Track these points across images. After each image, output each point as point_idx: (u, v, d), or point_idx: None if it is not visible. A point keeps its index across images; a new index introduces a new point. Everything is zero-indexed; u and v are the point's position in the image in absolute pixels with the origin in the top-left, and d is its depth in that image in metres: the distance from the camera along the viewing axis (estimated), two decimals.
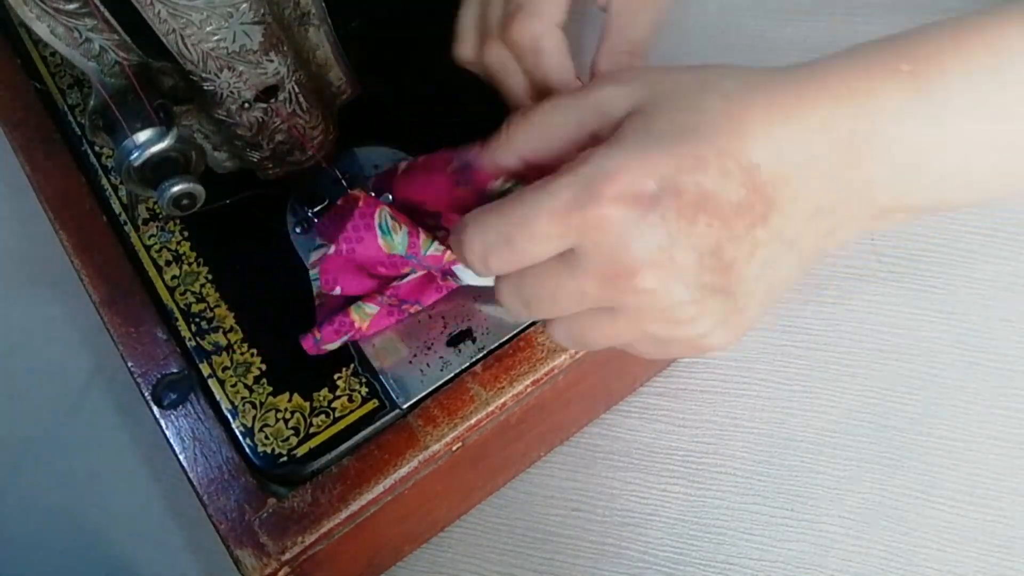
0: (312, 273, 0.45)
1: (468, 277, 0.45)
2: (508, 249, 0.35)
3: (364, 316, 0.44)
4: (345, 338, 0.45)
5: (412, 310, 0.46)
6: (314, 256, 0.45)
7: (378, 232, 0.43)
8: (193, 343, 0.46)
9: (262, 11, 0.39)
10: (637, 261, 0.33)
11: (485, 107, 0.50)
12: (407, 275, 0.45)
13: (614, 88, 0.37)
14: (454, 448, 0.44)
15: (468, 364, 0.45)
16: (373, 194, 0.46)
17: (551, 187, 0.34)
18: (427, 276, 0.45)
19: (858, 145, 0.35)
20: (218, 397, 0.45)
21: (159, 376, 0.46)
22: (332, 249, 0.44)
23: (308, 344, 0.44)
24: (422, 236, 0.43)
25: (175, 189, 0.41)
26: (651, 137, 0.34)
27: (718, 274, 0.34)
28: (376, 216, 0.43)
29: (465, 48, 0.47)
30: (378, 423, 0.44)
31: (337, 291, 0.45)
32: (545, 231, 0.34)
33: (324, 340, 0.44)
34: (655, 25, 0.44)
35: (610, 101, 0.36)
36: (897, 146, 0.35)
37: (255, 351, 0.46)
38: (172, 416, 0.45)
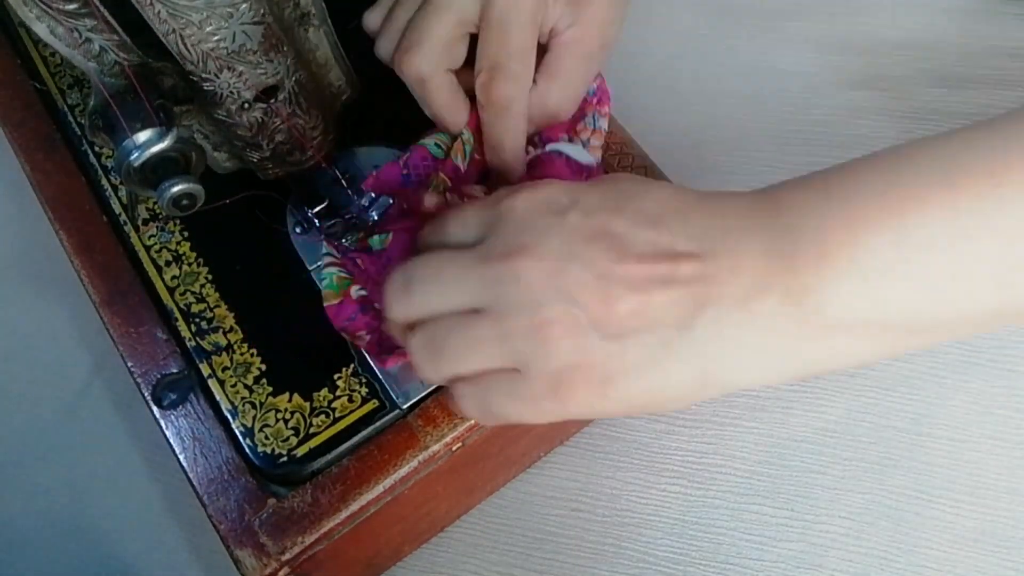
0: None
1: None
2: (438, 226, 0.39)
3: None
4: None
5: None
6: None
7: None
8: (193, 343, 0.46)
9: (262, 11, 0.39)
10: (523, 245, 0.35)
11: None
12: None
13: None
14: (454, 448, 0.44)
15: None
16: (374, 194, 0.47)
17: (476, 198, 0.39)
18: None
19: (798, 248, 0.33)
20: (218, 397, 0.45)
21: (159, 376, 0.46)
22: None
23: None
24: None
25: (175, 189, 0.41)
26: (587, 186, 0.37)
27: (596, 301, 0.34)
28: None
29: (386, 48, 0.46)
30: (378, 423, 0.44)
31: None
32: (468, 216, 0.38)
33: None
34: (528, 52, 0.43)
35: None
36: (815, 244, 0.33)
37: (255, 351, 0.46)
38: (172, 416, 0.45)
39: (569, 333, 0.34)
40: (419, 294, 0.37)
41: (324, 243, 0.47)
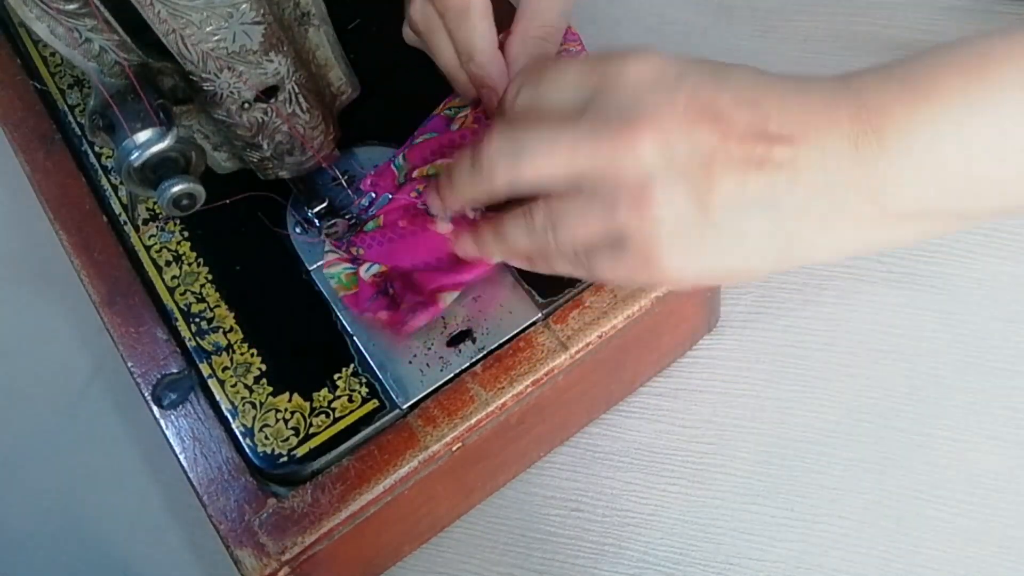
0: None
1: None
2: (535, 86, 0.38)
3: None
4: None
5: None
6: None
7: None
8: (193, 343, 0.46)
9: (262, 11, 0.39)
10: (639, 119, 0.35)
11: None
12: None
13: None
14: (454, 448, 0.44)
15: (468, 364, 0.45)
16: (375, 193, 0.47)
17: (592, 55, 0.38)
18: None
19: (859, 131, 0.35)
20: (218, 397, 0.45)
21: (159, 376, 0.46)
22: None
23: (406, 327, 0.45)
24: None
25: (175, 189, 0.41)
26: (691, 60, 0.37)
27: (701, 178, 0.35)
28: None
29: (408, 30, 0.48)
30: (378, 423, 0.44)
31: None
32: (572, 78, 0.38)
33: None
34: (566, 11, 0.46)
35: None
36: (896, 139, 0.35)
37: (255, 351, 0.46)
38: (172, 416, 0.45)
39: (674, 205, 0.36)
40: (530, 164, 0.37)
41: (326, 241, 0.47)
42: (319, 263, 0.47)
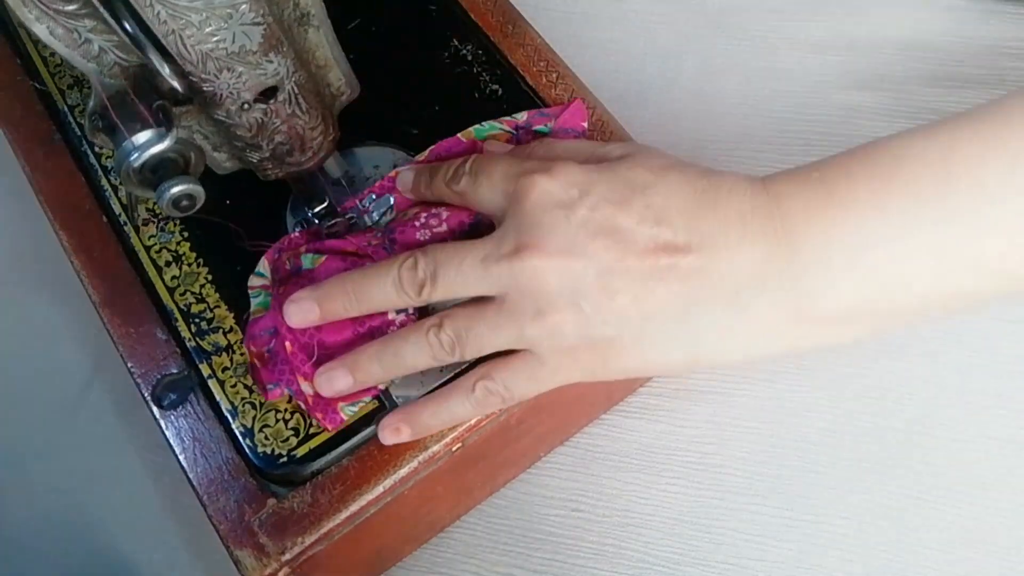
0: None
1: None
2: (478, 168, 0.42)
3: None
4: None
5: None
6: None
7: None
8: (193, 343, 0.46)
9: (262, 12, 0.39)
10: (536, 239, 0.38)
11: (484, 107, 0.50)
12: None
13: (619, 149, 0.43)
14: (454, 449, 0.44)
15: (468, 364, 0.45)
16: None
17: (501, 160, 0.42)
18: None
19: (775, 233, 0.36)
20: (218, 397, 0.45)
21: (159, 376, 0.46)
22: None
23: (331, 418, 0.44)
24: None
25: (175, 190, 0.41)
26: (602, 171, 0.39)
27: (599, 289, 0.37)
28: (341, 415, 0.44)
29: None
30: (378, 423, 0.44)
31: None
32: (500, 180, 0.40)
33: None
34: None
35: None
36: (808, 243, 0.36)
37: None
38: (172, 416, 0.45)
39: (573, 320, 0.38)
40: (444, 284, 0.40)
41: (263, 260, 0.46)
42: (252, 283, 0.47)
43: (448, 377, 0.44)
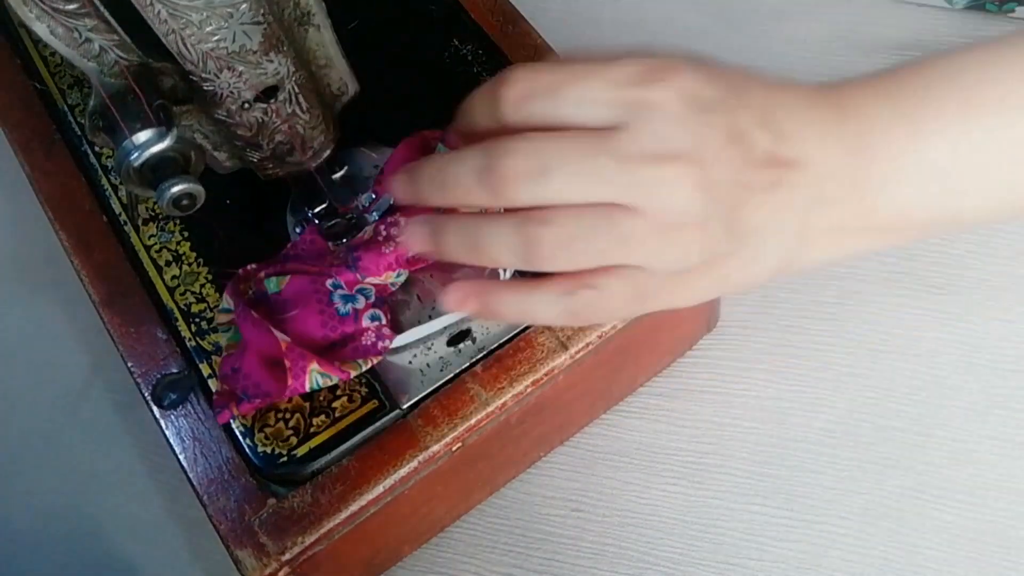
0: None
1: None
2: (554, 99, 0.34)
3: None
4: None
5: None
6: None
7: (308, 389, 0.43)
8: (193, 343, 0.46)
9: (262, 11, 0.39)
10: (677, 150, 0.34)
11: None
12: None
13: None
14: (454, 448, 0.44)
15: (468, 364, 0.45)
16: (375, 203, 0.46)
17: (618, 62, 0.34)
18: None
19: (857, 150, 0.36)
20: None
21: (159, 376, 0.46)
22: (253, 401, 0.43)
23: (225, 419, 0.44)
24: (352, 371, 0.43)
25: (175, 189, 0.41)
26: (712, 67, 0.36)
27: (731, 206, 0.35)
28: (307, 380, 0.42)
29: None
30: (378, 423, 0.44)
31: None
32: (600, 95, 0.34)
33: (242, 412, 0.44)
34: None
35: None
36: (888, 158, 0.36)
37: None
38: (172, 416, 0.45)
39: (702, 239, 0.35)
40: (560, 183, 0.34)
41: (225, 296, 0.45)
42: (218, 321, 0.46)
43: (450, 376, 0.44)
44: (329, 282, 0.44)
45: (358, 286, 0.45)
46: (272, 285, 0.45)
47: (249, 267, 0.46)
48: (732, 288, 0.38)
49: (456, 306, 0.37)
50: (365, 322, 0.44)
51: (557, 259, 0.35)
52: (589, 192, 0.34)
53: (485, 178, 0.34)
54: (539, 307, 0.37)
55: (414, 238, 0.37)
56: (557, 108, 0.34)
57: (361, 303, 0.44)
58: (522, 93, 0.34)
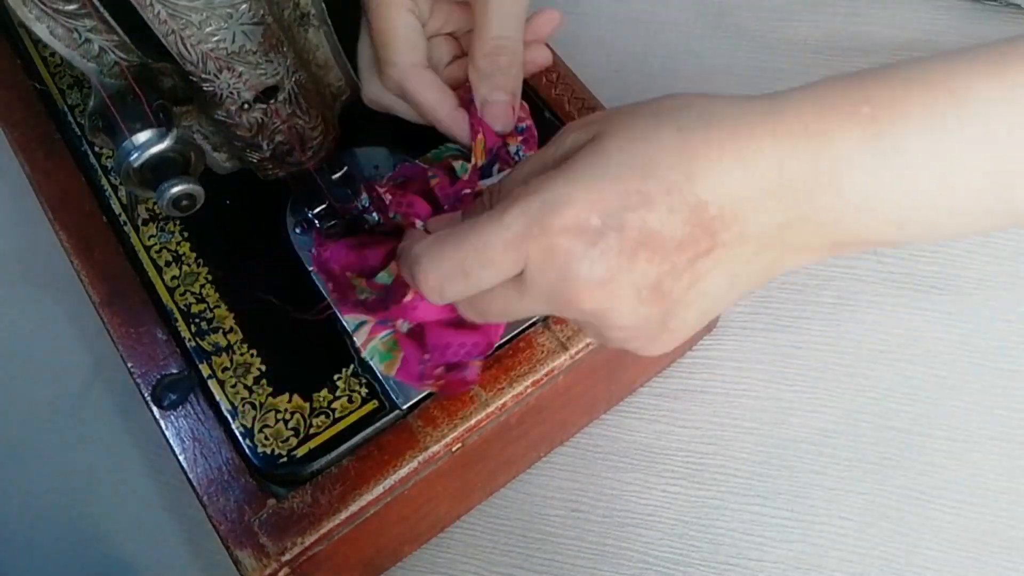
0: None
1: None
2: (463, 279, 0.37)
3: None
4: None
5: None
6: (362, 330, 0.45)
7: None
8: (193, 344, 0.46)
9: (262, 12, 0.39)
10: (579, 288, 0.35)
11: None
12: None
13: (576, 133, 0.38)
14: (454, 449, 0.44)
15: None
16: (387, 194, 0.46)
17: (504, 218, 0.36)
18: None
19: (811, 184, 0.35)
20: (218, 398, 0.45)
21: (159, 376, 0.46)
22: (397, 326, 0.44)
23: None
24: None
25: (174, 190, 0.41)
26: (600, 169, 0.36)
27: (654, 304, 0.36)
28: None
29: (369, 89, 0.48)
30: (378, 424, 0.44)
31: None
32: (499, 259, 0.36)
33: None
34: (520, 19, 0.45)
35: (572, 143, 0.38)
36: (850, 187, 0.35)
37: (255, 352, 0.46)
38: (172, 417, 0.45)
39: (641, 335, 0.37)
40: (495, 319, 0.39)
41: (346, 317, 0.44)
42: (355, 340, 0.45)
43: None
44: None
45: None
46: (384, 277, 0.44)
47: (336, 270, 0.46)
48: (694, 329, 0.39)
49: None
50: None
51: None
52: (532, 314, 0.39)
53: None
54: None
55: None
56: (470, 285, 0.37)
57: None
58: (436, 284, 0.38)
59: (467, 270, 0.37)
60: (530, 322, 0.45)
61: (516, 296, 0.37)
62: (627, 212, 0.35)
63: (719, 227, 0.35)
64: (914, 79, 0.35)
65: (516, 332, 0.45)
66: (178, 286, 0.48)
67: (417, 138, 0.49)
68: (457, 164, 0.46)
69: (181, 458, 0.44)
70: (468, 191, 0.45)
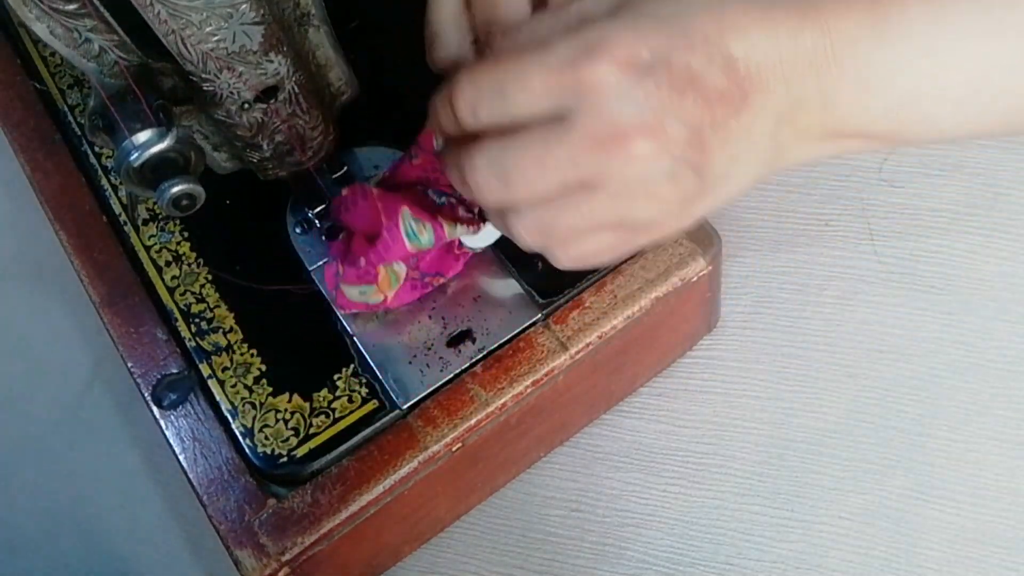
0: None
1: (478, 241, 0.45)
2: (500, 99, 0.35)
3: (392, 279, 0.44)
4: (365, 297, 0.44)
5: (436, 282, 0.46)
6: (328, 271, 0.45)
7: (405, 240, 0.43)
8: (193, 343, 0.46)
9: (262, 11, 0.39)
10: (631, 125, 0.35)
11: None
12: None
13: None
14: (454, 449, 0.44)
15: (468, 365, 0.45)
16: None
17: (549, 45, 0.35)
18: (446, 247, 0.45)
19: (819, 59, 0.36)
20: (218, 398, 0.45)
21: (159, 376, 0.46)
22: (359, 263, 0.44)
23: (329, 276, 0.44)
24: (445, 226, 0.43)
25: (175, 190, 0.41)
26: (644, 15, 0.35)
27: (697, 152, 0.36)
28: (401, 224, 0.42)
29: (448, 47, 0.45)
30: (378, 424, 0.44)
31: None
32: (540, 86, 0.35)
33: (345, 279, 0.44)
34: None
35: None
36: (852, 64, 0.36)
37: (255, 351, 0.46)
38: (172, 416, 0.45)
39: (677, 191, 0.36)
40: (521, 185, 0.36)
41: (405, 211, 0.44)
42: (320, 263, 0.47)
43: (449, 377, 0.45)
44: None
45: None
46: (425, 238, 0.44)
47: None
48: (720, 204, 0.39)
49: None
50: (461, 211, 0.44)
51: (548, 244, 0.38)
52: (553, 181, 0.36)
53: (465, 188, 0.37)
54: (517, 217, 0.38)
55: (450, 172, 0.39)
56: (506, 109, 0.36)
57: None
58: (471, 101, 0.36)
59: (504, 89, 0.35)
60: (530, 321, 0.45)
61: (556, 139, 0.35)
62: (673, 52, 0.35)
63: (749, 88, 0.35)
64: None
65: (516, 332, 0.45)
66: (178, 286, 0.48)
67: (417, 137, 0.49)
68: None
69: (181, 458, 0.44)
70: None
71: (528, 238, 0.38)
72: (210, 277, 0.48)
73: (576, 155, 0.35)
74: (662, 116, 0.35)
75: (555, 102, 0.35)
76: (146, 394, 0.46)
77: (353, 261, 0.44)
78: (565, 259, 0.39)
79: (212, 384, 0.45)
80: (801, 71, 0.36)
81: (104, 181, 0.51)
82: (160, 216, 0.50)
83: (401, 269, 0.44)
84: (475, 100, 0.36)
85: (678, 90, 0.35)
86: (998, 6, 0.35)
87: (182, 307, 0.47)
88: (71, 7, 0.37)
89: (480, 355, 0.45)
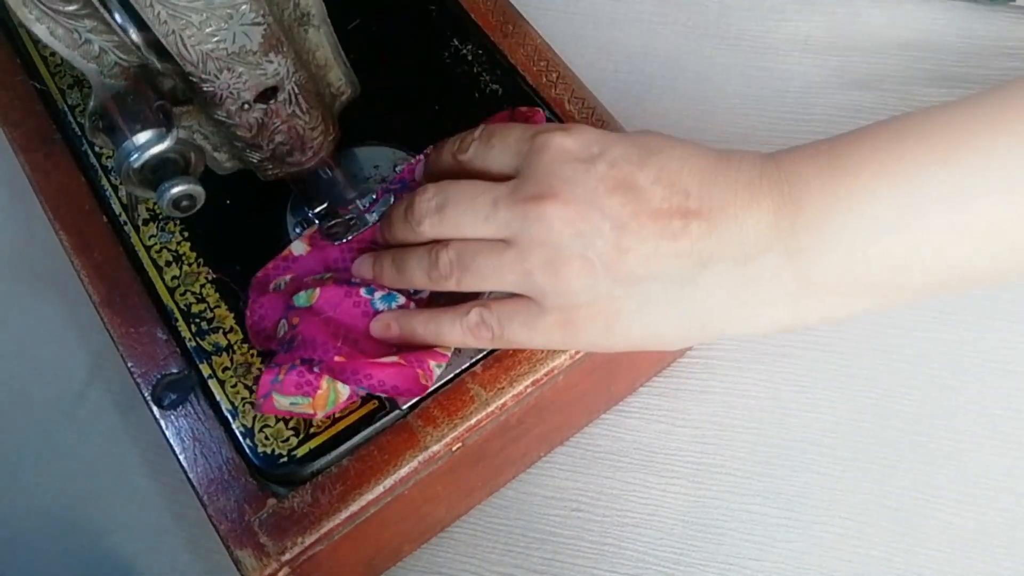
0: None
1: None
2: (485, 148, 0.41)
3: (331, 400, 0.42)
4: (294, 407, 0.42)
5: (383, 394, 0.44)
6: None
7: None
8: (193, 343, 0.46)
9: (262, 12, 0.39)
10: (554, 188, 0.38)
11: (484, 107, 0.50)
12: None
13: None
14: (454, 449, 0.44)
15: (468, 364, 0.45)
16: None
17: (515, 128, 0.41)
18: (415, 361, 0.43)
19: (795, 213, 0.36)
20: (218, 397, 0.45)
21: (159, 376, 0.46)
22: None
23: (265, 380, 0.42)
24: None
25: (175, 190, 0.41)
26: (625, 138, 0.40)
27: (611, 250, 0.37)
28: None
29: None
30: (378, 424, 0.44)
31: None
32: (514, 140, 0.40)
33: (283, 388, 0.42)
34: None
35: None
36: (838, 216, 0.36)
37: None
38: (172, 416, 0.45)
39: (583, 274, 0.38)
40: (452, 217, 0.40)
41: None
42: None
43: (450, 377, 0.44)
44: (363, 290, 0.44)
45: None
46: (302, 300, 0.44)
47: (259, 274, 0.46)
48: (636, 342, 0.39)
49: (381, 332, 0.43)
50: (379, 304, 0.44)
51: (451, 278, 0.41)
52: (478, 228, 0.40)
53: (408, 215, 0.42)
54: (446, 327, 0.42)
55: (361, 269, 0.45)
56: (484, 155, 0.41)
57: (401, 299, 0.44)
58: (469, 139, 0.42)
59: (493, 134, 0.41)
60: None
61: (487, 189, 0.39)
62: (623, 161, 0.38)
63: (692, 216, 0.37)
64: (875, 137, 0.36)
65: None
66: (178, 286, 0.48)
67: (418, 137, 0.49)
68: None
69: (181, 458, 0.44)
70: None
71: (443, 276, 0.41)
72: (210, 277, 0.48)
73: (500, 202, 0.39)
74: (584, 195, 0.37)
75: (515, 158, 0.40)
76: (146, 394, 0.46)
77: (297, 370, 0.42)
78: (470, 320, 0.41)
79: (212, 384, 0.45)
80: (760, 220, 0.36)
81: (104, 181, 0.51)
82: (160, 216, 0.50)
83: (344, 391, 0.43)
84: (471, 142, 0.42)
85: (609, 185, 0.37)
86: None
87: (182, 307, 0.47)
88: (71, 8, 0.37)
89: (480, 355, 0.45)
